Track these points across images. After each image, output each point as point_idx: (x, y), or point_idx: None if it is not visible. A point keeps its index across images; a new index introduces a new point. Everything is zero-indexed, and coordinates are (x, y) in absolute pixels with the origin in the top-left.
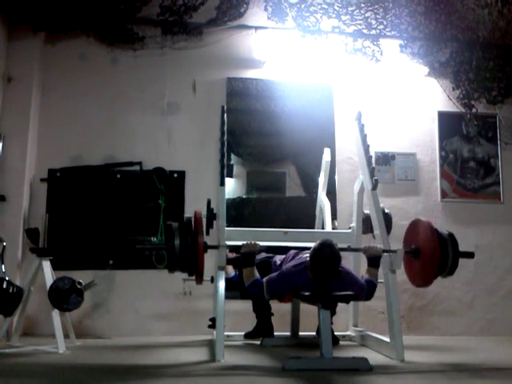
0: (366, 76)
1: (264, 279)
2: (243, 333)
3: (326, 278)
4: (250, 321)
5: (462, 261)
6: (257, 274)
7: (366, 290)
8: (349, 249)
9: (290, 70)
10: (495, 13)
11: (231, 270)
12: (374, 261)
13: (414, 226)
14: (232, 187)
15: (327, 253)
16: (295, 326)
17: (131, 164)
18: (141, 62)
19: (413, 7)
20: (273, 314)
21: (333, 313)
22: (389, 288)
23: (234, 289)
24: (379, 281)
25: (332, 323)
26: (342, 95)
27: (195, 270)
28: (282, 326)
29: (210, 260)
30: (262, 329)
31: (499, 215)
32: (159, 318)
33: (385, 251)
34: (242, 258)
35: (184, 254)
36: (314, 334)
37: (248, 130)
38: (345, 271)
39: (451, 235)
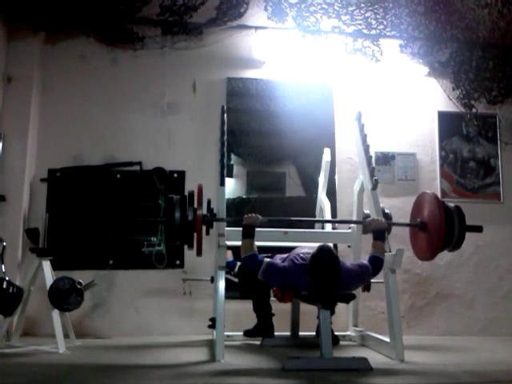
0: (365, 76)
1: (266, 260)
2: (242, 333)
3: (325, 284)
4: (250, 321)
5: (462, 261)
6: (255, 248)
7: (370, 271)
8: (352, 221)
9: (290, 70)
10: (495, 13)
11: (230, 255)
12: (379, 234)
13: (420, 199)
14: (232, 187)
15: (325, 259)
16: (295, 326)
17: (131, 164)
18: (141, 62)
19: (413, 7)
20: (273, 315)
21: (332, 313)
22: (389, 288)
23: (234, 289)
24: (379, 281)
25: (332, 323)
26: (342, 95)
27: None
28: (282, 326)
29: (210, 260)
30: (263, 329)
31: (499, 215)
32: (159, 318)
33: (389, 224)
34: (243, 229)
35: (184, 226)
36: (314, 334)
37: (248, 129)
38: (345, 269)
39: (458, 208)
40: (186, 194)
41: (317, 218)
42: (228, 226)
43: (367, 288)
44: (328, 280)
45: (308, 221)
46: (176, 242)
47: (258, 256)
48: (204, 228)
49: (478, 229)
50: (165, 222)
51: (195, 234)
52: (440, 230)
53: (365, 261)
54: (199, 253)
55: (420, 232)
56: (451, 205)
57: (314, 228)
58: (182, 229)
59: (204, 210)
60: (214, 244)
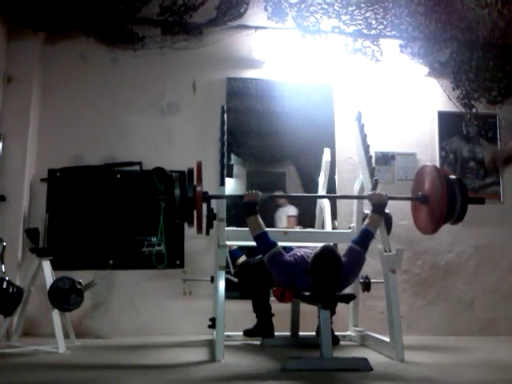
0: (365, 76)
1: (277, 247)
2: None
3: (326, 285)
4: (250, 321)
5: (462, 261)
6: (263, 224)
7: (363, 254)
8: (353, 196)
9: (290, 70)
10: (495, 13)
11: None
12: (377, 207)
13: (421, 173)
14: (232, 187)
15: (328, 261)
16: (295, 326)
17: (131, 164)
18: (141, 62)
19: (413, 7)
20: (273, 315)
21: (332, 313)
22: (389, 288)
23: (234, 289)
24: (379, 281)
25: (332, 323)
26: (342, 95)
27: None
28: (282, 326)
29: (210, 260)
30: (263, 329)
31: (499, 215)
32: (159, 317)
33: (390, 198)
34: (245, 206)
35: (184, 203)
36: (314, 333)
37: (248, 130)
38: (345, 265)
39: (459, 179)
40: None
41: (318, 194)
42: (228, 226)
43: (367, 288)
44: (330, 281)
45: (308, 196)
46: (176, 220)
47: (269, 237)
48: (204, 226)
49: (480, 201)
50: (165, 199)
51: (195, 212)
52: (442, 202)
53: (353, 243)
54: (199, 230)
55: (422, 206)
56: (452, 176)
57: (313, 227)
58: (181, 206)
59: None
60: (214, 244)
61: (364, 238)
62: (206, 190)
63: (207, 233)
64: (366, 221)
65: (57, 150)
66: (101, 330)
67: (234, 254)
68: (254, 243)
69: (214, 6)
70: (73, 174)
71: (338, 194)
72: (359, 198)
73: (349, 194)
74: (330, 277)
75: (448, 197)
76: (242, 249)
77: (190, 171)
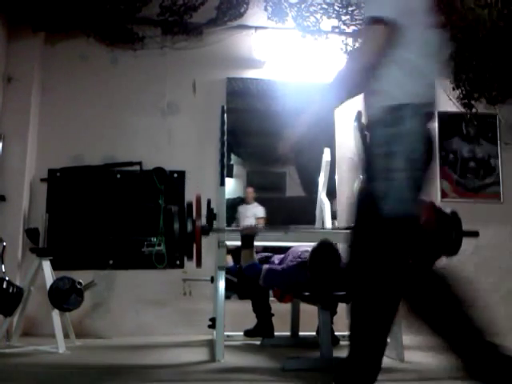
0: None
1: (265, 266)
2: (242, 333)
3: (324, 280)
4: (250, 321)
5: (462, 261)
6: (255, 257)
7: None
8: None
9: (290, 69)
10: (495, 13)
11: (230, 260)
12: None
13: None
14: (232, 187)
15: (326, 254)
16: (295, 326)
17: (131, 164)
18: (141, 62)
19: None
20: (273, 315)
21: (333, 312)
22: None
23: (233, 289)
24: None
25: (333, 323)
26: None
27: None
28: (282, 326)
29: (210, 260)
30: (263, 329)
31: (499, 215)
32: (159, 318)
33: None
34: (242, 239)
35: (183, 237)
36: (314, 334)
37: (248, 130)
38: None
39: (454, 213)
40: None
41: (315, 228)
42: (228, 226)
43: None
44: (328, 274)
45: (306, 229)
46: (175, 254)
47: (258, 264)
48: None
49: (475, 234)
50: (164, 233)
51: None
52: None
53: None
54: (199, 264)
55: None
56: (447, 210)
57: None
58: (181, 240)
59: (203, 220)
60: (214, 244)
61: None
62: (204, 224)
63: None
64: None
65: (57, 149)
66: (101, 330)
67: (231, 270)
68: (255, 243)
69: (214, 6)
70: (73, 173)
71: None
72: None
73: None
74: (327, 270)
75: (444, 233)
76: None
77: (189, 205)
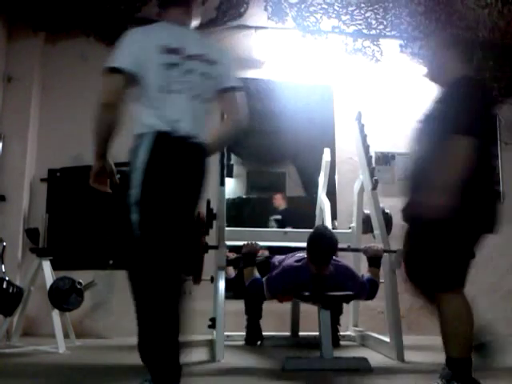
0: (366, 76)
1: (264, 279)
2: (243, 333)
3: (324, 256)
4: None
5: None
6: (257, 274)
7: (367, 289)
8: (349, 249)
9: (290, 70)
10: (495, 13)
11: (232, 272)
12: (374, 261)
13: None
14: (232, 187)
15: (323, 232)
16: (295, 325)
17: None
18: None
19: (413, 7)
20: (261, 317)
21: (339, 312)
22: (389, 288)
23: (232, 289)
24: (380, 281)
25: (340, 325)
26: (342, 95)
27: (195, 272)
28: (282, 326)
29: (210, 260)
30: (250, 335)
31: (499, 215)
32: None
33: (385, 251)
34: (243, 258)
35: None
36: (314, 334)
37: (248, 129)
38: (343, 266)
39: None
40: None
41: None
42: (229, 251)
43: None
44: (327, 251)
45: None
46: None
47: (259, 279)
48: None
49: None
50: None
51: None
52: None
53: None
54: (198, 282)
55: None
56: None
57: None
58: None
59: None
60: (214, 244)
61: (373, 285)
62: (206, 242)
63: (207, 233)
64: (368, 274)
65: (57, 150)
66: (101, 330)
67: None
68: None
69: (214, 6)
70: (73, 173)
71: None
72: (355, 250)
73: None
74: (326, 246)
75: None
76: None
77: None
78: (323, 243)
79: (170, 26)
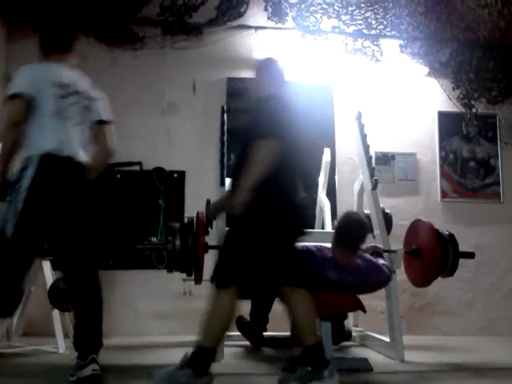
0: (366, 76)
1: None
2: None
3: (354, 243)
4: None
5: (462, 261)
6: None
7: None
8: None
9: (290, 70)
10: (495, 13)
11: None
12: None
13: (415, 226)
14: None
15: (355, 216)
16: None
17: (131, 164)
18: (141, 62)
19: (413, 7)
20: (267, 322)
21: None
22: (389, 288)
23: None
24: None
25: (346, 317)
26: (342, 95)
27: (195, 271)
28: (282, 326)
29: (210, 260)
30: (252, 339)
31: (499, 215)
32: (159, 317)
33: (385, 251)
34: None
35: (184, 255)
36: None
37: None
38: (367, 257)
39: (451, 236)
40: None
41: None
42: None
43: None
44: (358, 234)
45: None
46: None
47: None
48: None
49: (471, 255)
50: (165, 249)
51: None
52: (435, 258)
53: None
54: (199, 281)
55: (414, 259)
56: (445, 232)
57: (313, 228)
58: (182, 258)
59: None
60: (214, 244)
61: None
62: (206, 241)
63: (207, 233)
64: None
65: None
66: None
67: None
68: None
69: (214, 6)
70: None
71: None
72: None
73: None
74: (357, 229)
75: (441, 254)
76: None
77: (190, 222)
78: (355, 231)
79: (56, 65)
